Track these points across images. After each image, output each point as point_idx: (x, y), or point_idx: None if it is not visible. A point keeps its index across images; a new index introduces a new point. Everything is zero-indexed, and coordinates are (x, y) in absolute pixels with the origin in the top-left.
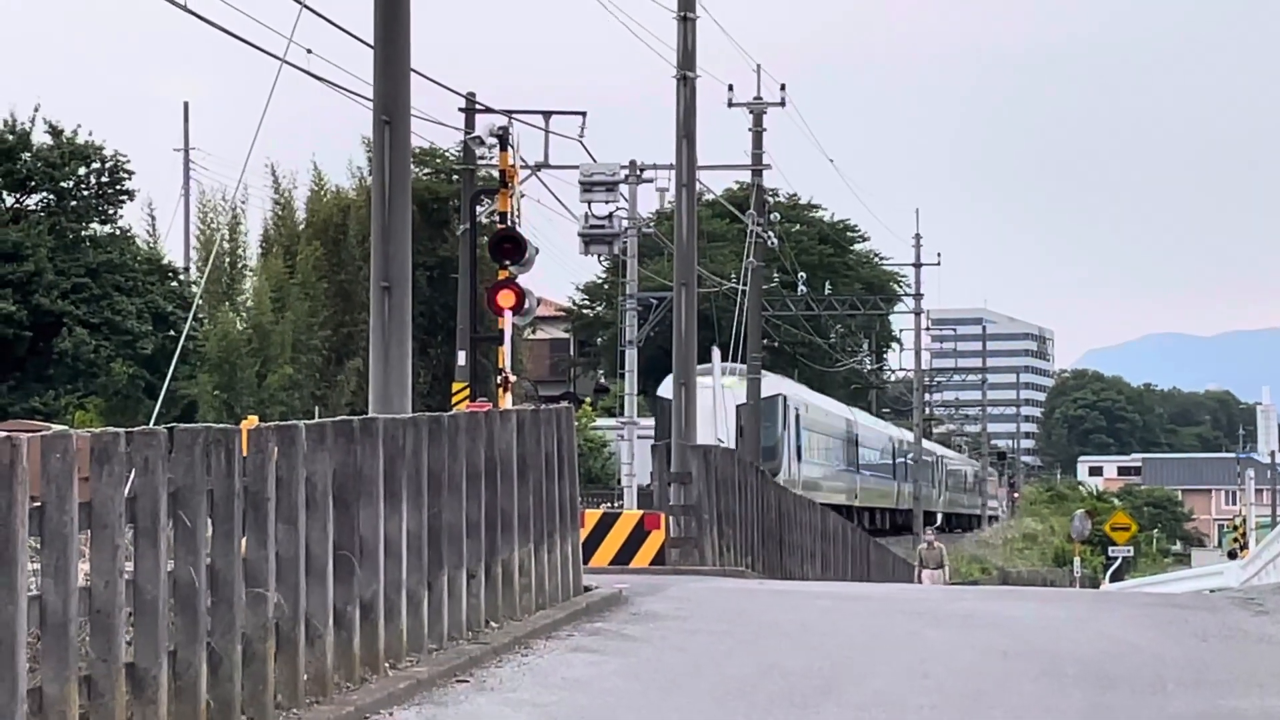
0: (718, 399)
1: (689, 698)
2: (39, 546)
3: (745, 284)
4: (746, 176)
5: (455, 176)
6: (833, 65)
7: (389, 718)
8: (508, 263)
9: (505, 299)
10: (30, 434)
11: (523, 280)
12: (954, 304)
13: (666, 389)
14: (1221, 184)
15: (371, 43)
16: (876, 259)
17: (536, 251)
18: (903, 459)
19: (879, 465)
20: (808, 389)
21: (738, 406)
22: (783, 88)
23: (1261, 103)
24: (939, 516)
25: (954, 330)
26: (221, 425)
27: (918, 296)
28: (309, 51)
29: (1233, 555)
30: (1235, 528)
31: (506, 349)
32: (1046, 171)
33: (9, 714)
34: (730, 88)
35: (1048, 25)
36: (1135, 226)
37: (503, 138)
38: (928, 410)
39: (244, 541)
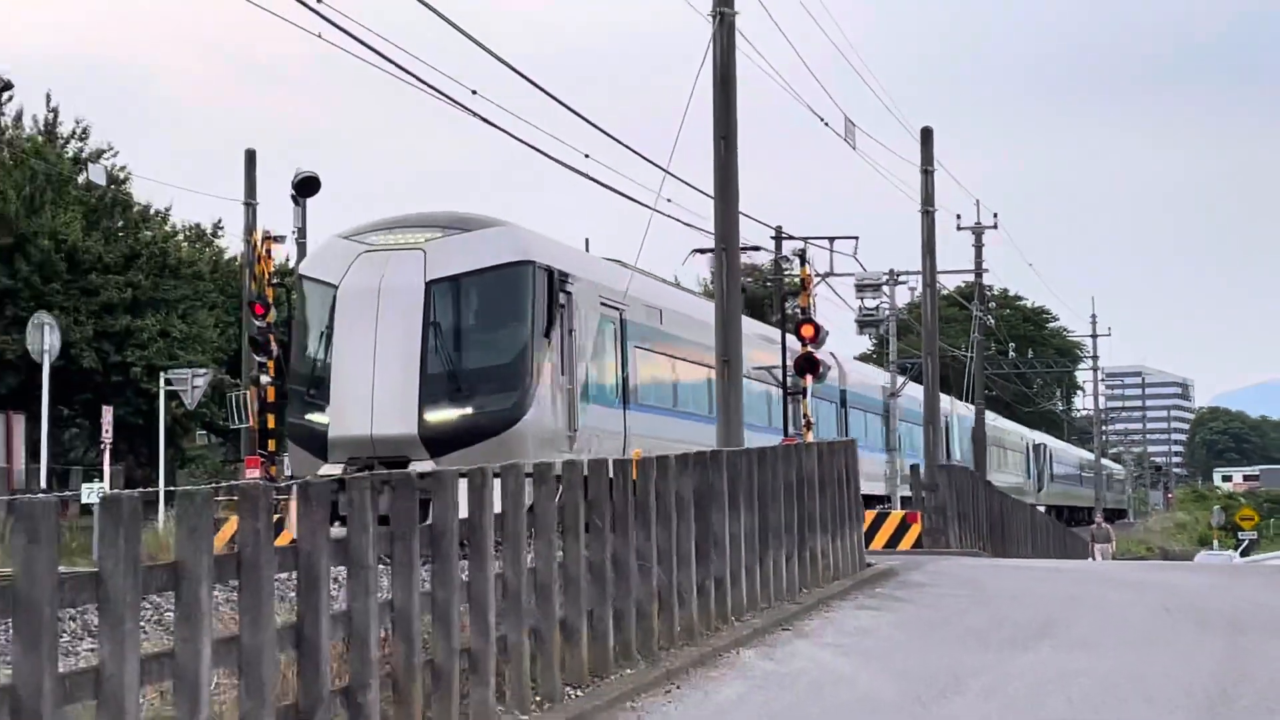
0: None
1: (941, 640)
2: (501, 541)
3: (972, 352)
4: (970, 277)
5: (768, 282)
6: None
7: (737, 654)
8: (807, 341)
9: (809, 362)
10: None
11: (819, 353)
12: (1120, 361)
13: (312, 268)
14: None
15: (712, 194)
16: (1065, 333)
17: (827, 334)
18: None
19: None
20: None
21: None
22: (995, 215)
23: None
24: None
25: (1121, 380)
26: (622, 457)
27: (1094, 358)
28: (669, 200)
29: None
30: None
31: (809, 401)
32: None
33: (518, 652)
34: (958, 216)
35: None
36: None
37: (801, 255)
38: (1104, 436)
39: (634, 535)
